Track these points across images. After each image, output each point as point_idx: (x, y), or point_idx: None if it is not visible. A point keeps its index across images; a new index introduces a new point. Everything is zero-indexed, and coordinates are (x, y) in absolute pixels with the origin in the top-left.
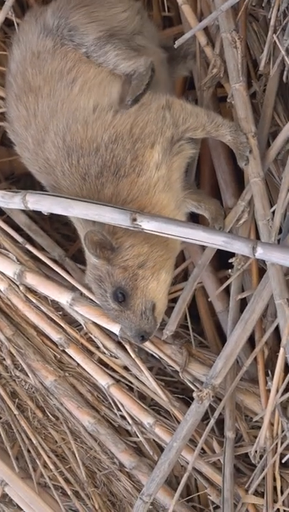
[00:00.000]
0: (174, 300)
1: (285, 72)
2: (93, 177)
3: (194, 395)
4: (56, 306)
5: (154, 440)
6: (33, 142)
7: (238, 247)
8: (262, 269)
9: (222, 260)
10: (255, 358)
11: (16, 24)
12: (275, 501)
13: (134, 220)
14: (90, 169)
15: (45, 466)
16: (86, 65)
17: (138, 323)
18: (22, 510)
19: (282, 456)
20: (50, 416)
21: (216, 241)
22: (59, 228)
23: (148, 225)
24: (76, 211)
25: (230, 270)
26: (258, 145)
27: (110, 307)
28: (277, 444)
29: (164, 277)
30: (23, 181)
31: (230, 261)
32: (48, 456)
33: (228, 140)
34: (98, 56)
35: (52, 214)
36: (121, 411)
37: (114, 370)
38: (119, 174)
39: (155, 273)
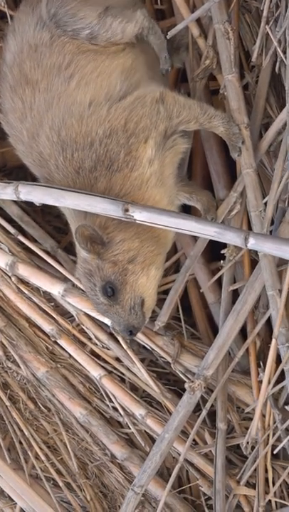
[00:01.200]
0: (166, 292)
1: (278, 64)
2: (87, 171)
3: (186, 385)
4: (48, 297)
5: (145, 431)
6: (27, 135)
7: (230, 237)
8: (254, 260)
9: (214, 252)
10: (247, 350)
11: (8, 16)
12: (266, 492)
13: (126, 210)
14: (84, 163)
15: (36, 457)
16: (84, 60)
17: (127, 318)
18: (13, 501)
19: (273, 447)
20: (42, 407)
21: (208, 231)
22: (51, 221)
23: (140, 215)
24: (68, 202)
25: (222, 261)
26: (251, 136)
27: (99, 301)
28: (268, 435)
29: (154, 273)
30: (16, 173)
31: (222, 252)
32: (40, 448)
33: (221, 131)
34: (106, 31)
35: (44, 206)
36: (113, 402)
37: (106, 362)
38: (112, 169)
39: (145, 268)
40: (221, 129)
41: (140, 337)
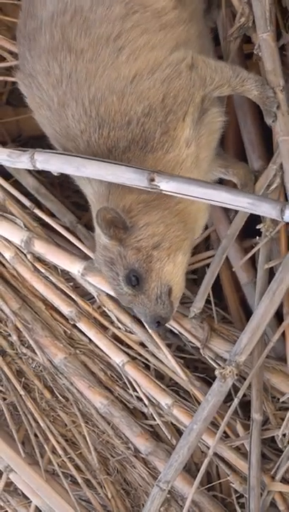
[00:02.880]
0: (195, 272)
1: None
2: (120, 151)
3: (217, 372)
4: (67, 276)
5: (172, 423)
6: (58, 102)
7: (265, 209)
8: None
9: (247, 229)
10: (283, 333)
11: None
12: None
13: (152, 180)
14: (119, 143)
15: (53, 451)
16: (135, 31)
17: (153, 308)
18: (28, 499)
19: None
20: (60, 397)
21: (240, 203)
22: (70, 196)
23: (167, 185)
24: (89, 171)
25: (257, 238)
26: (288, 100)
27: (123, 292)
28: None
29: (181, 259)
30: (31, 144)
31: (257, 227)
32: (57, 441)
33: (254, 95)
34: None
35: (63, 180)
36: (136, 391)
37: (129, 347)
38: (146, 149)
39: (171, 254)
40: (255, 93)
41: None
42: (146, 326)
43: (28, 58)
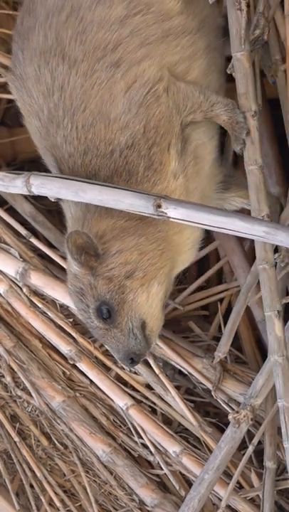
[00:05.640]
0: (205, 307)
1: None
2: (101, 180)
3: (230, 417)
4: (66, 312)
5: (180, 473)
6: (48, 116)
7: (282, 238)
8: None
9: None
10: None
11: None
12: None
13: (159, 206)
14: (100, 171)
15: (50, 503)
16: (133, 41)
17: (126, 344)
18: None
19: None
20: (58, 444)
21: (255, 231)
22: None
23: (175, 212)
24: (89, 196)
25: None
26: (259, 126)
27: (94, 325)
28: None
29: (156, 289)
30: (28, 169)
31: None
32: (55, 492)
33: (224, 120)
34: None
35: (61, 207)
36: (142, 438)
37: (134, 389)
38: (130, 182)
39: (145, 284)
40: (224, 118)
41: (176, 359)
42: (120, 363)
43: (21, 59)
